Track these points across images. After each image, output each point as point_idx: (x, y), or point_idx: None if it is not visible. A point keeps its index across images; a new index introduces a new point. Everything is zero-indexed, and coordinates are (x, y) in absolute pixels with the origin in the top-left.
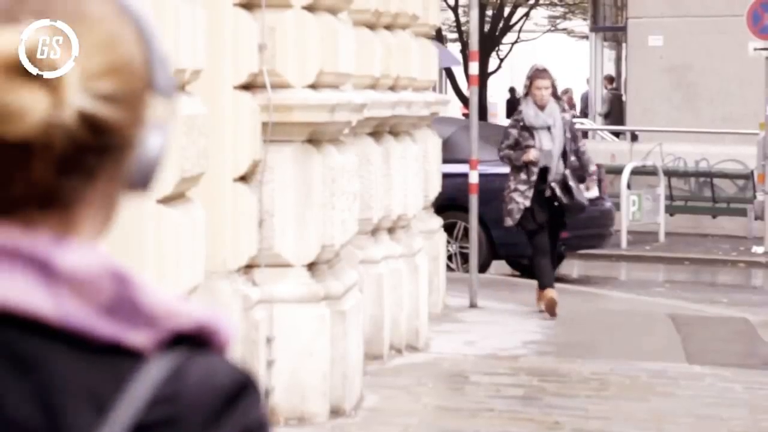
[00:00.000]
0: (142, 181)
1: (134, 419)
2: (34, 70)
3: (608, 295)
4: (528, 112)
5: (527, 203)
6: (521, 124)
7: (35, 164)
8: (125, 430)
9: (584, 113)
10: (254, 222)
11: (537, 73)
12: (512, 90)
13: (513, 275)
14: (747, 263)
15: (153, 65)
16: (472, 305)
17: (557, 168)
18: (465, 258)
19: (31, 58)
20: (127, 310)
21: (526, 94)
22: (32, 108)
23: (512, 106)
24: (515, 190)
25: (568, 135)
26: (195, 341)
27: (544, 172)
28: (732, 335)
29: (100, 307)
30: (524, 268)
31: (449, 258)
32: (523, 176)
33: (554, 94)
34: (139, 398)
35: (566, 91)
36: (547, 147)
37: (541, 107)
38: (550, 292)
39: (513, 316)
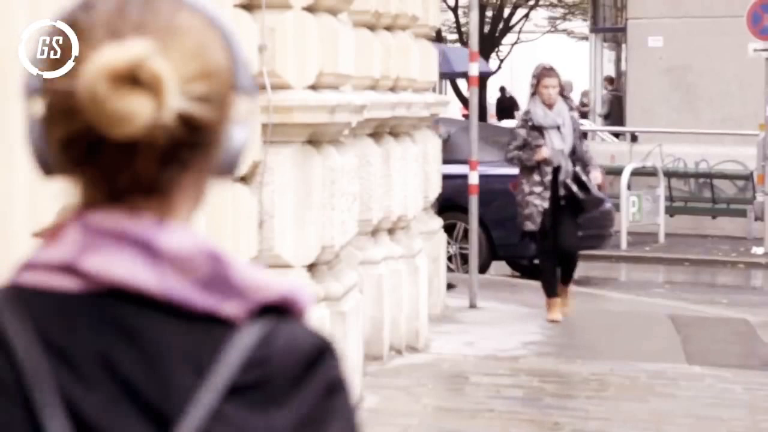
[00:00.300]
0: (227, 170)
1: (230, 380)
2: (137, 81)
3: (608, 296)
4: (536, 111)
5: (546, 204)
6: (530, 124)
7: (140, 159)
8: (222, 390)
9: (583, 114)
10: (254, 223)
11: (544, 72)
12: (503, 89)
13: (513, 276)
14: (747, 264)
15: (236, 69)
16: (472, 306)
17: (566, 167)
18: (465, 259)
19: (136, 70)
20: (220, 284)
21: (534, 94)
22: (139, 112)
23: (502, 105)
24: (531, 192)
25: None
26: (279, 310)
27: (556, 171)
28: (732, 336)
29: (198, 281)
30: (524, 268)
31: (449, 259)
32: (536, 177)
33: (561, 93)
34: (234, 362)
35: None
36: (558, 146)
37: (549, 106)
38: (554, 307)
39: (513, 317)
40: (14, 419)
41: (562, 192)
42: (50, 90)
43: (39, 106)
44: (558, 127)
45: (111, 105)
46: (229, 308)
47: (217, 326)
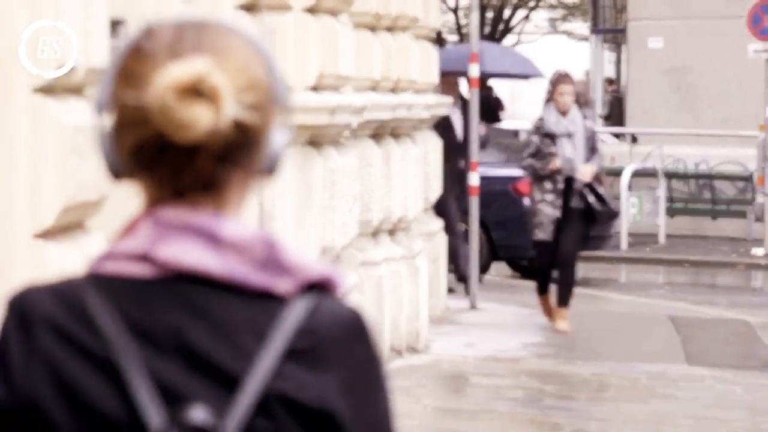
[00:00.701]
0: (269, 169)
1: (287, 345)
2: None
3: (608, 297)
4: (549, 118)
5: (558, 214)
6: (542, 131)
7: (200, 160)
8: (281, 353)
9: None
10: (255, 224)
11: (560, 79)
12: (489, 88)
13: (513, 277)
14: (747, 265)
15: (275, 83)
16: (473, 307)
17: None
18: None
19: (198, 83)
20: (274, 265)
21: (549, 100)
22: (201, 119)
23: (488, 105)
24: (542, 201)
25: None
26: (321, 288)
27: (569, 180)
28: (732, 337)
29: (255, 264)
30: (524, 269)
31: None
32: (548, 185)
33: (577, 101)
34: (288, 330)
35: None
36: (569, 154)
37: (563, 113)
38: (560, 311)
39: (513, 318)
40: (103, 387)
41: (575, 203)
42: (121, 104)
43: (109, 120)
44: (570, 135)
45: (178, 114)
46: (282, 286)
47: (272, 301)
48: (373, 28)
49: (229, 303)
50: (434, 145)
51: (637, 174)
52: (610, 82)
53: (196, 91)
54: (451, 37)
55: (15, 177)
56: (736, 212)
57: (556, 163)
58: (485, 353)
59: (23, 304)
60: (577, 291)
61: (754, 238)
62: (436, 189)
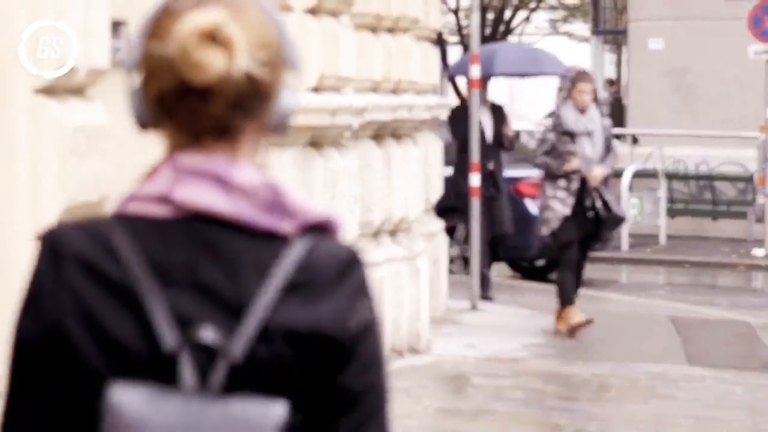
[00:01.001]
0: (279, 126)
1: (286, 280)
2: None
3: (609, 298)
4: (568, 116)
5: (567, 211)
6: (560, 129)
7: (214, 105)
8: (281, 287)
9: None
10: None
11: (579, 76)
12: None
13: (514, 278)
14: (747, 266)
15: (286, 47)
16: (473, 308)
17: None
18: (466, 261)
19: (216, 31)
20: (278, 209)
21: (566, 98)
22: (215, 63)
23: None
24: (553, 197)
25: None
26: (321, 230)
27: (585, 180)
28: (732, 338)
29: (261, 206)
30: (525, 270)
31: (450, 261)
32: (562, 183)
33: (595, 99)
34: (288, 266)
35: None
36: (589, 153)
37: (582, 111)
38: (575, 315)
39: (514, 319)
40: (123, 314)
41: (589, 202)
42: (148, 56)
43: (137, 77)
44: (589, 134)
45: (195, 56)
46: (285, 227)
47: (276, 240)
48: (374, 29)
49: (238, 241)
50: (435, 146)
51: (637, 175)
52: (610, 83)
53: (212, 37)
54: (452, 38)
55: (16, 177)
56: (737, 213)
57: (574, 164)
58: (486, 354)
59: (54, 240)
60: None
61: (754, 238)
62: (436, 190)
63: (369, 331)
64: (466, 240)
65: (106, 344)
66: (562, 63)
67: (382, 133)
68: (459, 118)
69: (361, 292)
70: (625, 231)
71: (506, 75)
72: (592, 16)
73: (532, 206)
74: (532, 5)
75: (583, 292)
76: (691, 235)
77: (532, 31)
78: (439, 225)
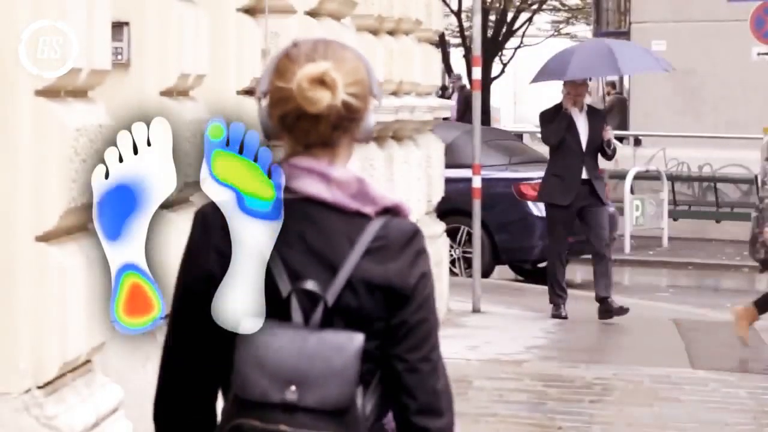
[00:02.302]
0: (365, 137)
1: (367, 245)
2: (322, 87)
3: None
4: None
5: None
6: None
7: (321, 125)
8: (363, 250)
9: None
10: None
11: None
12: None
13: (516, 280)
14: (751, 268)
15: (372, 82)
16: (475, 310)
17: None
18: (468, 263)
19: (323, 76)
20: (363, 196)
21: None
22: (323, 99)
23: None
24: None
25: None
26: (393, 211)
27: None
28: (736, 340)
29: (351, 194)
30: (527, 273)
31: (452, 263)
32: None
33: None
34: (368, 236)
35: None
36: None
37: None
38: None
39: (516, 321)
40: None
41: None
42: (274, 89)
43: (265, 101)
44: None
45: (309, 94)
46: (367, 209)
47: (361, 218)
48: (375, 31)
49: (334, 218)
50: (436, 147)
51: (640, 177)
52: (612, 85)
53: (321, 81)
54: (454, 40)
55: (18, 179)
56: (740, 215)
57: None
58: (488, 356)
59: (204, 215)
60: (580, 293)
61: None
62: (438, 192)
63: (423, 284)
64: (468, 242)
65: None
66: (658, 59)
67: (384, 134)
68: (547, 122)
69: (419, 256)
70: (627, 233)
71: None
72: (594, 18)
73: (534, 208)
74: (535, 7)
75: (584, 293)
76: (694, 237)
77: (534, 32)
78: (440, 227)
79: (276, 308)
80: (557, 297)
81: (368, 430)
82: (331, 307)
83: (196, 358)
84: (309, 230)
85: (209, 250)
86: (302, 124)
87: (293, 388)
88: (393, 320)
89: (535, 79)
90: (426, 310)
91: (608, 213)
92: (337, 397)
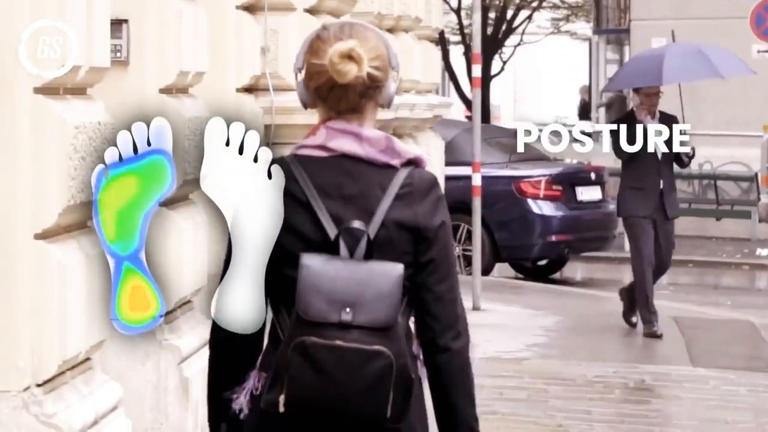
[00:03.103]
0: (387, 104)
1: (396, 192)
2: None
3: (612, 298)
4: None
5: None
6: None
7: (350, 94)
8: (393, 196)
9: (585, 111)
10: None
11: None
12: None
13: (516, 278)
14: (751, 266)
15: (391, 57)
16: (476, 308)
17: None
18: (468, 261)
19: (350, 52)
20: (391, 151)
21: None
22: (351, 71)
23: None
24: None
25: None
26: (415, 163)
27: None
28: (736, 338)
29: (380, 150)
30: (528, 270)
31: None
32: None
33: None
34: (397, 184)
35: (586, 90)
36: None
37: None
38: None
39: (516, 319)
40: (306, 216)
41: None
42: (310, 64)
43: (301, 76)
44: None
45: (340, 67)
46: (395, 161)
47: (390, 169)
48: None
49: (367, 171)
50: (436, 145)
51: None
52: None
53: (349, 56)
54: (454, 38)
55: (17, 177)
56: (740, 213)
57: None
58: (488, 354)
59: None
60: (580, 291)
61: (758, 238)
62: None
63: (444, 228)
64: (468, 239)
65: (296, 234)
66: (741, 61)
67: (384, 131)
68: (619, 135)
69: (440, 201)
70: None
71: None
72: (594, 16)
73: (535, 206)
74: (534, 4)
75: (585, 291)
76: (694, 235)
77: (534, 30)
78: None
79: (326, 247)
80: (650, 314)
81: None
82: (371, 243)
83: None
84: (346, 182)
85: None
86: (334, 93)
87: (348, 309)
88: (422, 258)
89: (618, 85)
90: (448, 249)
91: (671, 226)
92: (384, 316)
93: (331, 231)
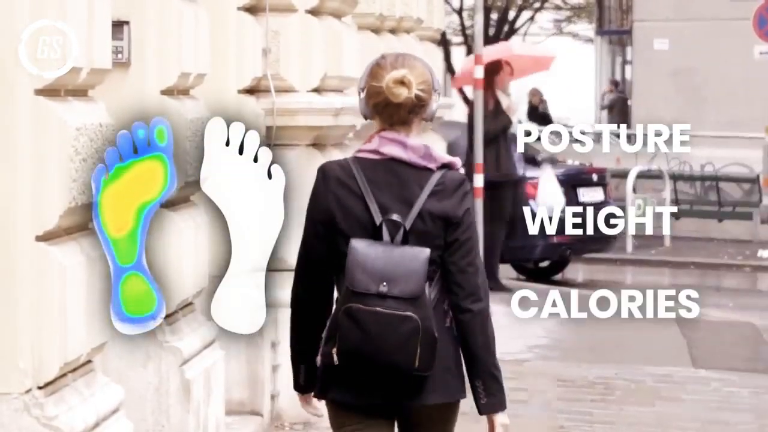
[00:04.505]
0: (430, 117)
1: (431, 189)
2: (405, 87)
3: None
4: None
5: None
6: None
7: (401, 111)
8: (429, 192)
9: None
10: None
11: None
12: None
13: (518, 279)
14: (753, 267)
15: (434, 81)
16: None
17: None
18: None
19: (403, 79)
20: (429, 156)
21: None
22: (403, 93)
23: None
24: None
25: None
26: (448, 166)
27: None
28: (738, 339)
29: (421, 155)
30: (529, 272)
31: None
32: None
33: None
34: (432, 183)
35: (535, 93)
36: None
37: None
38: None
39: (518, 320)
40: (360, 206)
41: None
42: (370, 86)
43: (363, 94)
44: None
45: (394, 90)
46: (431, 165)
47: (427, 171)
48: (377, 30)
49: (409, 172)
50: (438, 146)
51: (642, 176)
52: (615, 84)
53: (402, 82)
54: (456, 39)
55: (18, 178)
56: (742, 214)
57: None
58: None
59: (324, 170)
60: (583, 293)
61: (760, 240)
62: None
63: (468, 215)
64: None
65: (350, 218)
66: None
67: None
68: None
69: (466, 196)
70: (629, 232)
71: None
72: (596, 17)
73: (536, 207)
74: (537, 5)
75: (587, 293)
76: (696, 237)
77: (536, 31)
78: None
79: (372, 232)
80: None
81: (432, 308)
82: (408, 230)
83: (320, 263)
84: (393, 180)
85: (328, 194)
86: (388, 109)
87: (384, 283)
88: (449, 238)
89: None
90: (470, 231)
91: None
92: (413, 289)
93: (378, 218)
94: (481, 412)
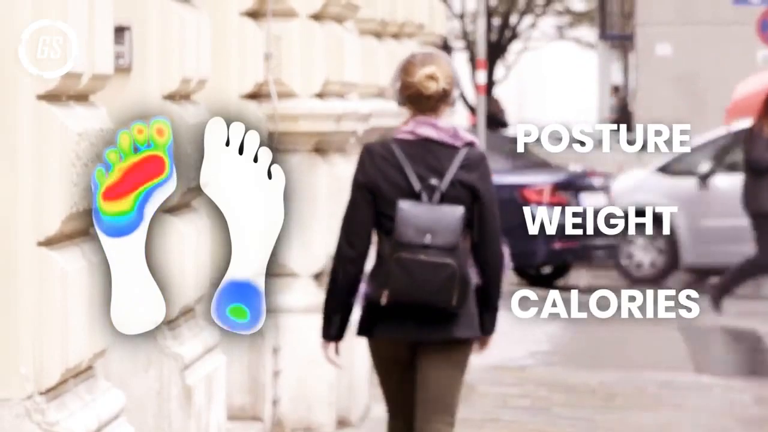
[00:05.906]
0: (452, 104)
1: (460, 162)
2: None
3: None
4: None
5: None
6: None
7: (431, 101)
8: (458, 165)
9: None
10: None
11: None
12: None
13: (520, 285)
14: None
15: (456, 76)
16: None
17: None
18: None
19: (433, 74)
20: (456, 136)
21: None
22: (432, 87)
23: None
24: None
25: None
26: (471, 144)
27: None
28: (741, 346)
29: (450, 135)
30: (532, 277)
31: None
32: None
33: None
34: (461, 158)
35: (495, 101)
36: None
37: None
38: None
39: (520, 326)
40: (400, 177)
41: None
42: (404, 80)
43: (397, 86)
44: None
45: (425, 84)
46: (458, 143)
47: (455, 148)
48: (378, 35)
49: (440, 149)
50: None
51: None
52: (616, 89)
53: (431, 77)
54: (457, 44)
55: (19, 183)
56: None
57: None
58: (492, 362)
59: (369, 148)
60: (584, 298)
61: None
62: None
63: (489, 183)
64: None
65: (393, 186)
66: None
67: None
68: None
69: (487, 168)
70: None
71: None
72: (598, 22)
73: (539, 213)
74: (539, 11)
75: (588, 297)
76: None
77: (538, 36)
78: None
79: (413, 195)
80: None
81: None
82: (443, 194)
83: (365, 223)
84: (427, 155)
85: (373, 166)
86: (420, 100)
87: (428, 235)
88: (475, 205)
89: None
90: (492, 201)
91: None
92: (451, 240)
93: (416, 185)
94: (483, 334)
